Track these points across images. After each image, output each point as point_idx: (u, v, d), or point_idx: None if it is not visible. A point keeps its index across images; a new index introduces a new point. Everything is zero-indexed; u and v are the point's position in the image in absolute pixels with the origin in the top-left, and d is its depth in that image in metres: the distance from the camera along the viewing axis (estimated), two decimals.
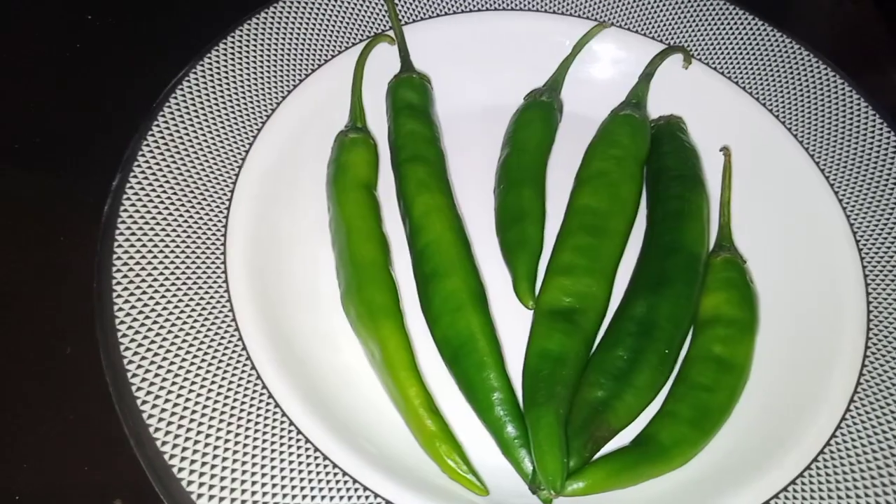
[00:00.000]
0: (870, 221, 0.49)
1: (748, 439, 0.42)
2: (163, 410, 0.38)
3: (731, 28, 0.57)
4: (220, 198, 0.46)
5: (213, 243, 0.44)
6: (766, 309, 0.46)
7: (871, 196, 0.50)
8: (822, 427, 0.42)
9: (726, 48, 0.56)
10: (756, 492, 0.39)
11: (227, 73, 0.50)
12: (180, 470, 0.36)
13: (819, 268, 0.48)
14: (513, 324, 0.45)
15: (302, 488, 0.37)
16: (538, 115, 0.53)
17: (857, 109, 0.54)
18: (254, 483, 0.37)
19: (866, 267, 0.47)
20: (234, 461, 0.37)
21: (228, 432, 0.38)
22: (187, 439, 0.37)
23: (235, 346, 0.41)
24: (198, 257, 0.43)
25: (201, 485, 0.36)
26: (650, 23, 0.57)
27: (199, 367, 0.40)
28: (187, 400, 0.38)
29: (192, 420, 0.38)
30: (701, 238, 0.48)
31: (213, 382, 0.39)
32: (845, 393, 0.43)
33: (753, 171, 0.52)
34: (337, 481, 0.38)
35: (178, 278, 0.42)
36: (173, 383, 0.39)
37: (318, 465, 0.38)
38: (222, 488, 0.36)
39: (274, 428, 0.39)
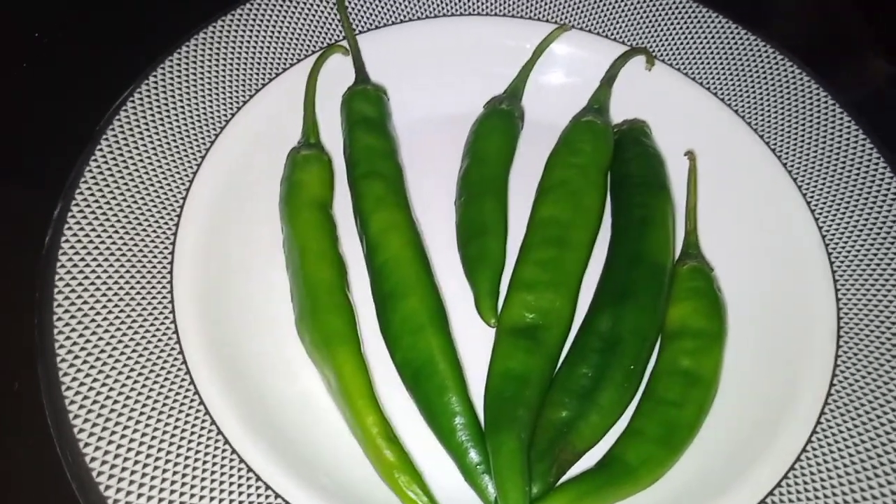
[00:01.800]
0: (840, 225, 0.48)
1: (717, 455, 0.41)
2: (106, 453, 0.36)
3: (694, 27, 0.56)
4: (166, 222, 0.44)
5: (160, 270, 0.43)
6: (735, 318, 0.45)
7: (841, 199, 0.49)
8: (792, 441, 0.40)
9: (690, 48, 0.55)
10: None
11: (172, 91, 0.48)
12: None
13: (788, 274, 0.47)
14: (475, 341, 0.44)
15: None
16: (498, 124, 0.52)
17: (826, 109, 0.52)
18: None
19: (836, 272, 0.46)
20: (182, 497, 0.35)
21: (175, 473, 0.36)
22: (132, 482, 0.36)
23: (182, 381, 0.39)
24: (143, 287, 0.42)
25: None
26: (611, 24, 0.55)
27: (144, 405, 0.38)
28: (131, 441, 0.37)
29: (136, 462, 0.36)
30: (666, 247, 0.46)
31: (158, 420, 0.38)
32: (816, 404, 0.42)
33: (720, 175, 0.51)
34: None
35: (121, 310, 0.41)
36: (116, 423, 0.37)
37: (267, 501, 0.36)
38: None
39: (223, 468, 0.37)
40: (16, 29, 0.61)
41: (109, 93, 0.49)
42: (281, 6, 0.53)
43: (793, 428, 0.41)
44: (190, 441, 0.38)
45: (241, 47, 0.51)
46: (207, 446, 0.38)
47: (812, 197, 0.49)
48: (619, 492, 0.39)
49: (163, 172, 0.46)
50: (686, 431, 0.40)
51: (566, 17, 0.55)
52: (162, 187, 0.45)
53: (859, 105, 0.52)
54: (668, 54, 0.55)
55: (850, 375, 0.42)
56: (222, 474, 0.37)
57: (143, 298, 0.41)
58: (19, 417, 0.44)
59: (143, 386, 0.39)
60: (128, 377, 0.39)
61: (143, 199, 0.44)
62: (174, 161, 0.46)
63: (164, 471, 0.36)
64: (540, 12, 0.55)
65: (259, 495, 0.37)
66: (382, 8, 0.54)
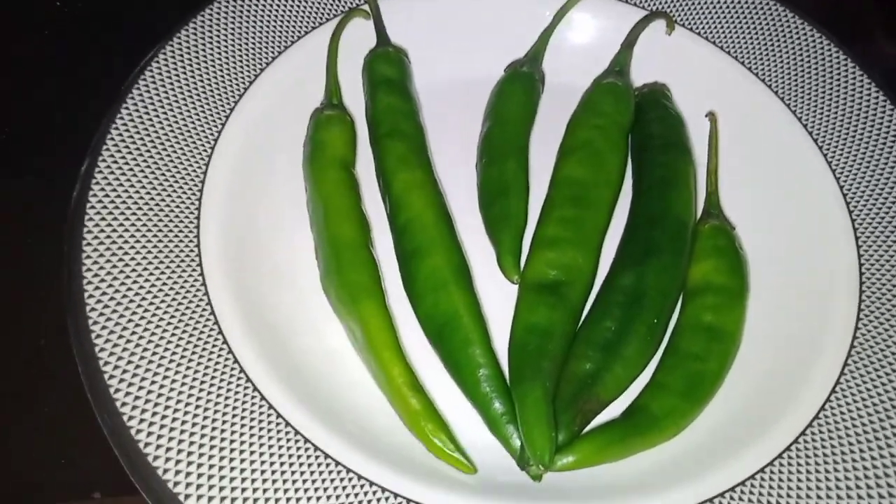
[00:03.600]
0: (860, 184, 0.48)
1: (740, 409, 0.41)
2: (136, 398, 0.37)
3: None
4: (192, 180, 0.45)
5: (187, 227, 0.43)
6: (756, 276, 0.45)
7: (862, 158, 0.49)
8: (814, 395, 0.41)
9: (709, 12, 0.55)
10: (750, 461, 0.38)
11: (198, 52, 0.49)
12: (156, 458, 0.35)
13: (809, 232, 0.47)
14: (498, 299, 0.44)
15: (283, 472, 0.36)
16: (519, 86, 0.52)
17: (846, 71, 0.52)
18: (233, 469, 0.35)
19: (857, 229, 0.46)
20: (213, 448, 0.36)
21: (205, 419, 0.37)
22: (163, 427, 0.36)
23: (211, 331, 0.40)
24: (170, 241, 0.42)
25: (178, 472, 0.35)
26: None
27: (174, 354, 0.38)
28: (161, 387, 0.37)
29: (166, 408, 0.37)
30: (688, 206, 0.46)
31: (188, 369, 0.38)
32: (838, 358, 0.42)
33: (741, 136, 0.51)
34: (320, 465, 0.37)
35: (150, 263, 0.41)
36: (147, 370, 0.38)
37: (300, 450, 0.37)
38: (199, 475, 0.35)
39: (254, 414, 0.38)
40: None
41: (133, 58, 0.49)
42: None
43: (815, 381, 0.41)
44: (219, 390, 0.38)
45: (265, 10, 0.51)
46: (237, 395, 0.38)
47: (832, 156, 0.49)
48: (643, 441, 0.39)
49: (189, 131, 0.46)
50: (709, 384, 0.41)
51: None
52: (188, 145, 0.46)
53: None
54: (687, 18, 0.55)
55: (873, 329, 0.43)
56: (252, 419, 0.37)
57: (171, 252, 0.42)
58: (50, 371, 0.45)
59: (173, 335, 0.39)
60: (157, 326, 0.39)
61: (169, 156, 0.45)
62: (200, 119, 0.47)
63: (195, 416, 0.37)
64: None
65: (289, 440, 0.37)
66: None
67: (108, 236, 0.41)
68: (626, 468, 0.39)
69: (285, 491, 0.35)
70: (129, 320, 0.39)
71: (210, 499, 0.34)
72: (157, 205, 0.43)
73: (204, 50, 0.49)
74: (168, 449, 0.35)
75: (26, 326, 0.46)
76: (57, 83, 0.57)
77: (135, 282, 0.40)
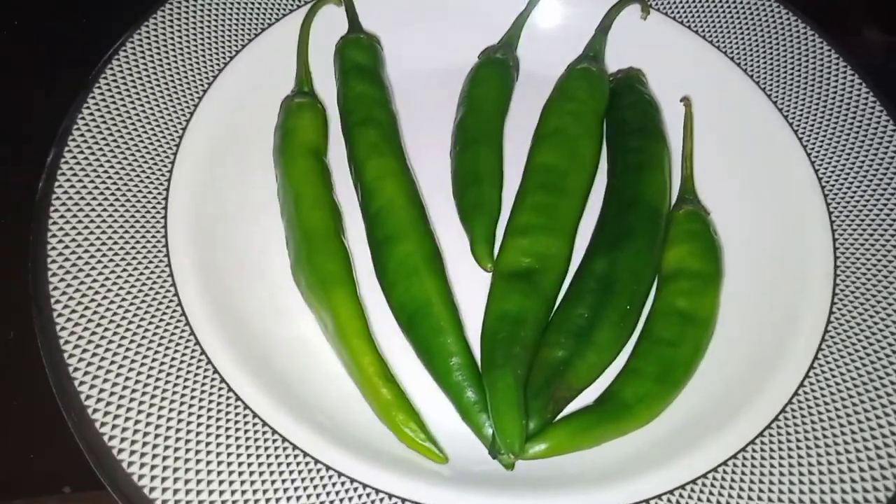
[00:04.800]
0: (836, 169, 0.48)
1: (713, 394, 0.41)
2: (101, 391, 0.36)
3: None
4: (160, 169, 0.44)
5: (154, 216, 0.42)
6: (731, 260, 0.45)
7: (837, 142, 0.49)
8: (787, 380, 0.40)
9: None
10: (722, 447, 0.38)
11: (167, 38, 0.48)
12: (120, 451, 0.34)
13: (784, 217, 0.47)
14: (472, 287, 0.44)
15: (251, 465, 0.36)
16: (493, 73, 0.51)
17: (823, 56, 0.52)
18: (199, 462, 0.35)
19: (832, 214, 0.46)
20: (178, 440, 0.35)
21: (171, 411, 0.36)
22: (127, 419, 0.36)
23: (178, 322, 0.39)
24: (136, 231, 0.41)
25: (143, 466, 0.34)
26: None
27: (140, 346, 0.38)
28: (127, 379, 0.37)
29: (132, 400, 0.36)
30: (662, 191, 0.46)
31: (154, 361, 0.38)
32: (811, 344, 0.42)
33: (716, 121, 0.51)
34: (289, 456, 0.36)
35: (115, 254, 0.40)
36: (112, 362, 0.37)
37: (268, 441, 0.37)
38: (165, 468, 0.34)
39: (221, 406, 0.37)
40: None
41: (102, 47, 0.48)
42: None
43: (789, 367, 0.41)
44: (186, 382, 0.37)
45: None
46: (204, 387, 0.38)
47: (808, 141, 0.49)
48: (616, 428, 0.39)
49: (156, 120, 0.45)
50: (682, 370, 0.41)
51: None
52: (156, 135, 0.45)
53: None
54: (662, 3, 0.54)
55: (847, 313, 0.42)
56: (219, 412, 0.37)
57: (138, 242, 0.41)
58: (18, 365, 0.44)
59: (139, 327, 0.38)
60: (123, 319, 0.38)
61: (136, 146, 0.44)
62: (168, 109, 0.46)
63: (161, 409, 0.36)
64: None
65: (257, 432, 0.37)
66: None
67: (74, 227, 0.40)
68: (599, 456, 0.39)
69: (252, 483, 0.35)
70: (95, 312, 0.38)
71: (175, 491, 0.34)
72: (123, 195, 0.42)
73: (173, 37, 0.48)
74: (133, 442, 0.35)
75: None
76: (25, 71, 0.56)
77: (100, 273, 0.40)
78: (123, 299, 0.39)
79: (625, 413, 0.39)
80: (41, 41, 0.57)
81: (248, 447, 0.36)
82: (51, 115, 0.45)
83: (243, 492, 0.35)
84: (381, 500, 0.36)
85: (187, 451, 0.35)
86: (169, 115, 0.46)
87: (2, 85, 0.55)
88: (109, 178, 0.43)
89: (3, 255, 0.47)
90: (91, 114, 0.44)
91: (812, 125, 0.49)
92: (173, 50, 0.48)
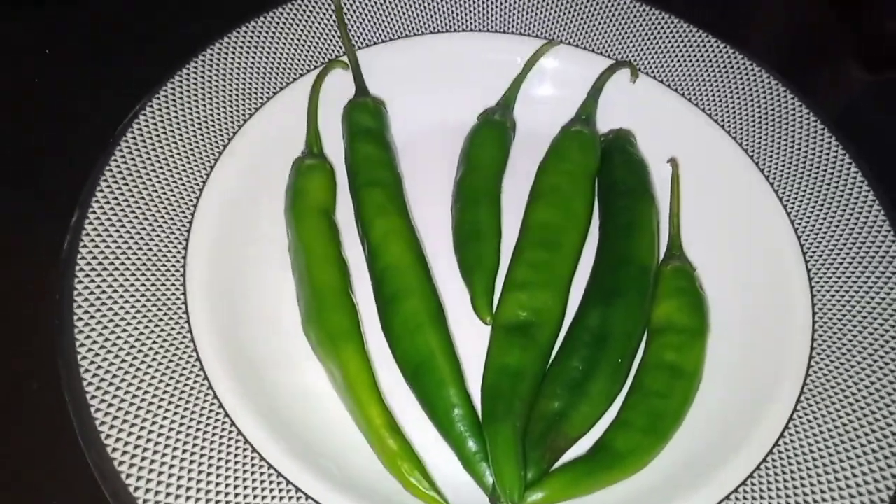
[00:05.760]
0: (815, 226, 0.51)
1: (701, 443, 0.43)
2: (126, 444, 0.38)
3: (676, 42, 0.59)
4: (179, 228, 0.47)
5: (174, 273, 0.45)
6: (717, 315, 0.48)
7: (816, 202, 0.52)
8: (771, 429, 0.43)
9: (672, 62, 0.58)
10: (709, 493, 0.41)
11: (183, 104, 0.51)
12: (136, 490, 0.37)
13: (767, 274, 0.50)
14: (472, 339, 0.46)
15: None
16: (491, 134, 0.55)
17: (801, 118, 0.55)
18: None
19: (811, 271, 0.49)
20: (199, 491, 0.38)
21: (192, 462, 0.39)
22: (151, 471, 0.38)
23: (197, 375, 0.42)
24: (157, 289, 0.44)
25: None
26: (597, 39, 0.58)
27: (161, 399, 0.40)
28: (150, 432, 0.39)
29: (154, 451, 0.38)
30: (650, 249, 0.49)
31: (174, 413, 0.40)
32: (793, 394, 0.44)
33: (701, 181, 0.54)
34: (295, 500, 0.39)
35: (138, 311, 0.43)
36: (136, 416, 0.39)
37: (280, 489, 0.39)
38: None
39: (237, 455, 0.39)
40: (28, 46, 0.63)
41: (119, 105, 0.51)
42: (284, 24, 0.56)
43: (772, 416, 0.43)
44: (205, 433, 0.40)
45: (247, 63, 0.54)
46: (222, 437, 0.40)
47: (788, 201, 0.52)
48: (608, 477, 0.41)
49: (175, 180, 0.48)
50: (671, 421, 0.43)
51: (555, 33, 0.58)
52: (174, 194, 0.48)
53: (839, 115, 0.54)
54: (651, 68, 0.58)
55: (825, 366, 0.45)
56: (236, 463, 0.39)
57: (159, 300, 0.44)
58: (38, 416, 0.46)
59: (161, 381, 0.41)
60: (145, 373, 0.41)
61: (156, 205, 0.47)
62: (186, 169, 0.49)
63: (182, 459, 0.39)
64: (530, 28, 0.58)
65: (264, 477, 0.39)
66: (382, 25, 0.57)
67: (98, 286, 0.43)
68: (596, 501, 0.41)
69: None
70: (119, 367, 0.41)
71: None
72: (145, 252, 0.45)
73: (190, 101, 0.51)
74: (157, 493, 0.37)
75: (19, 365, 0.48)
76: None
77: (124, 330, 0.42)
78: (147, 355, 0.41)
79: (617, 463, 0.41)
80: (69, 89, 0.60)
81: (255, 490, 0.38)
82: (71, 174, 0.48)
83: None
84: None
85: (198, 489, 0.38)
86: (187, 174, 0.49)
87: (25, 142, 0.58)
88: (131, 237, 0.45)
89: (25, 308, 0.50)
90: (113, 175, 0.47)
91: (793, 187, 0.52)
92: (191, 113, 0.51)
